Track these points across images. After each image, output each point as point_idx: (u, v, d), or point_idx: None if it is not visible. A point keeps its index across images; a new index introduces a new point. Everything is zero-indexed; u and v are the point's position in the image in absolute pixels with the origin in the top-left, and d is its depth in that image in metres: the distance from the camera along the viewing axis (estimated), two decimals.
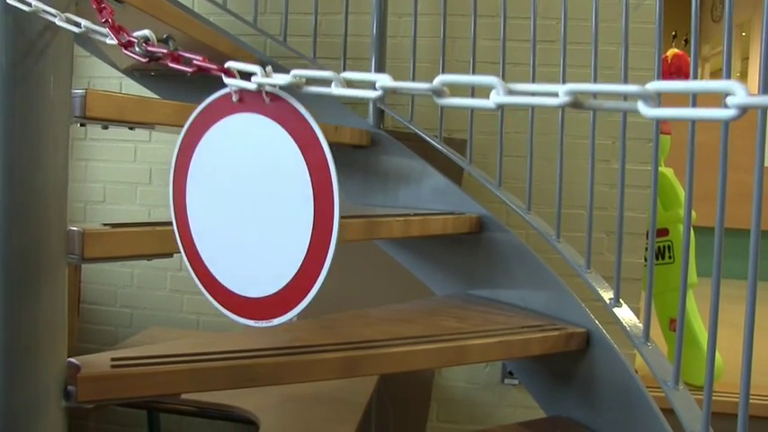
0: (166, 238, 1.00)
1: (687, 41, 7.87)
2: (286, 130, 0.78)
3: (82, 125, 1.08)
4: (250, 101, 0.80)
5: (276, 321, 0.83)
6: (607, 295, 1.36)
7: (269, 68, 0.76)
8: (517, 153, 2.13)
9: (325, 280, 0.78)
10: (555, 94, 0.58)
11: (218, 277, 0.87)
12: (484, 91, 0.61)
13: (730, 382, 2.32)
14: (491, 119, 2.12)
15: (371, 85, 0.67)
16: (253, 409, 1.80)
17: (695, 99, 1.04)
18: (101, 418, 2.62)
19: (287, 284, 0.81)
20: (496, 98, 0.61)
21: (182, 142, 0.87)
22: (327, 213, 0.77)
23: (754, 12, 7.06)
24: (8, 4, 0.83)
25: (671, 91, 0.54)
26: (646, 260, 2.29)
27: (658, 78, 1.26)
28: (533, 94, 0.59)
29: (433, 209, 1.61)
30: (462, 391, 2.46)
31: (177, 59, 0.81)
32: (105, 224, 0.97)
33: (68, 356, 0.91)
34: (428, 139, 1.74)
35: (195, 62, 0.80)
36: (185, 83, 1.83)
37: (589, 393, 1.30)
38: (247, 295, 0.85)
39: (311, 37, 2.00)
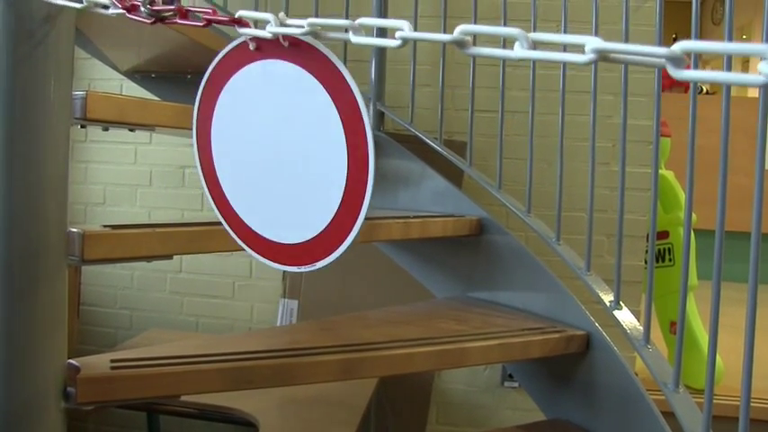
0: (166, 239, 1.00)
1: None
2: (309, 71, 0.76)
3: (82, 126, 1.08)
4: (268, 47, 0.78)
5: (320, 264, 0.81)
6: (607, 298, 1.36)
7: (282, 15, 0.73)
8: (517, 156, 2.13)
9: (365, 217, 0.76)
10: (581, 50, 0.55)
11: (252, 226, 0.85)
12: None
13: (731, 386, 2.32)
14: (491, 121, 2.11)
15: (391, 36, 0.65)
16: (252, 411, 1.80)
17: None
18: (100, 420, 2.62)
19: (327, 226, 0.79)
20: (520, 51, 0.59)
21: (201, 96, 0.85)
22: (361, 148, 0.75)
23: (755, 14, 7.07)
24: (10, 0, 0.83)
25: (701, 51, 0.52)
26: (646, 263, 2.29)
27: (658, 80, 1.26)
28: (557, 49, 0.57)
29: (433, 211, 1.61)
30: (462, 394, 2.46)
31: (186, 15, 0.78)
32: (105, 226, 0.97)
33: (68, 358, 0.91)
34: (428, 141, 1.74)
35: (205, 17, 0.77)
36: (186, 84, 1.83)
37: (589, 396, 1.30)
38: (286, 242, 0.83)
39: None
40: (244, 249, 0.87)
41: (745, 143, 1.95)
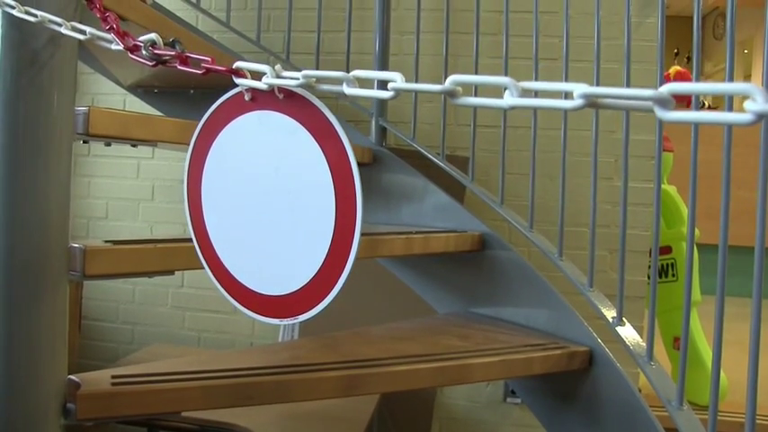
0: (168, 255, 1.00)
1: (689, 59, 7.91)
2: (302, 124, 0.77)
3: (85, 142, 1.08)
4: (263, 99, 0.79)
5: (302, 317, 0.82)
6: (610, 314, 1.35)
7: (278, 67, 0.75)
8: (519, 171, 2.13)
9: (351, 270, 0.77)
10: (570, 97, 0.56)
11: (237, 276, 0.86)
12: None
13: (735, 402, 2.30)
14: (493, 136, 2.12)
15: (383, 86, 0.66)
16: (253, 426, 1.79)
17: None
18: None
19: (312, 279, 0.80)
20: (510, 99, 0.60)
21: (195, 144, 0.87)
22: (349, 201, 0.76)
23: (757, 30, 7.09)
24: (14, 18, 0.84)
25: (687, 92, 0.53)
26: (649, 278, 2.29)
27: None
28: (545, 96, 0.58)
29: (435, 226, 1.61)
30: (464, 410, 2.44)
31: (186, 61, 0.80)
32: (107, 241, 0.97)
33: (68, 373, 0.90)
34: (430, 156, 1.74)
35: (204, 64, 0.79)
36: (189, 100, 1.84)
37: (592, 413, 1.29)
38: (269, 293, 0.84)
39: (314, 55, 2.01)
40: (223, 295, 0.88)
41: (748, 157, 1.95)
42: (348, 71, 0.65)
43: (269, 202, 0.81)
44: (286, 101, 0.77)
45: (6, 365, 0.86)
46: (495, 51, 1.72)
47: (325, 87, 0.72)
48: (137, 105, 1.99)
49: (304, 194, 0.79)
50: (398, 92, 0.66)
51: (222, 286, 0.88)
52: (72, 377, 0.90)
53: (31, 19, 0.83)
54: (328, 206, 0.77)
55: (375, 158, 1.75)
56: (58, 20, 0.83)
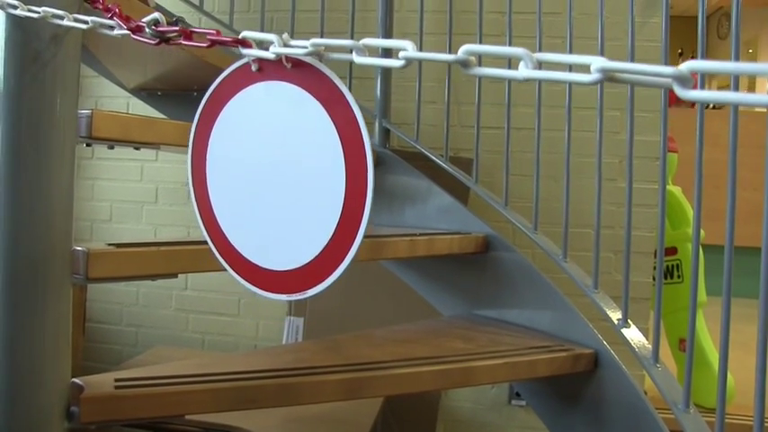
0: (171, 258, 1.00)
1: (693, 58, 7.88)
2: (310, 93, 0.75)
3: (88, 145, 1.08)
4: (270, 69, 0.77)
5: (311, 292, 0.79)
6: (615, 315, 1.35)
7: (286, 36, 0.74)
8: (523, 172, 2.12)
9: (360, 244, 0.74)
10: (587, 70, 0.54)
11: (242, 252, 0.84)
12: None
13: (743, 404, 2.29)
14: (497, 138, 2.11)
15: (394, 56, 0.64)
16: (257, 429, 1.79)
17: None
18: None
19: (321, 251, 0.77)
20: (525, 71, 0.58)
21: (200, 116, 0.85)
22: (360, 173, 0.74)
23: (761, 29, 7.07)
24: (16, 18, 0.83)
25: (709, 71, 0.52)
26: (654, 279, 2.28)
27: (665, 95, 1.25)
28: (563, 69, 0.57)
29: (439, 228, 1.60)
30: (469, 412, 2.44)
31: (190, 36, 0.79)
32: (110, 244, 0.96)
33: (72, 376, 0.90)
34: (434, 158, 1.73)
35: (209, 37, 0.78)
36: (192, 101, 1.83)
37: (597, 415, 1.29)
38: (276, 269, 0.81)
39: None
40: (228, 272, 0.85)
41: (753, 157, 1.94)
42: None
43: (277, 173, 0.79)
44: (294, 70, 0.75)
45: (10, 368, 0.85)
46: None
47: (335, 56, 0.70)
48: (140, 108, 1.99)
49: (313, 165, 0.76)
50: (409, 60, 0.63)
51: (227, 262, 0.85)
52: (75, 380, 0.90)
53: (34, 15, 0.82)
54: (338, 176, 0.75)
55: (379, 160, 1.75)
56: (60, 12, 0.83)
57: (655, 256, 2.23)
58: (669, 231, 2.64)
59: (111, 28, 0.84)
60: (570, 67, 0.58)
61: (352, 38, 1.93)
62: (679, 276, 2.62)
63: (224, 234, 0.85)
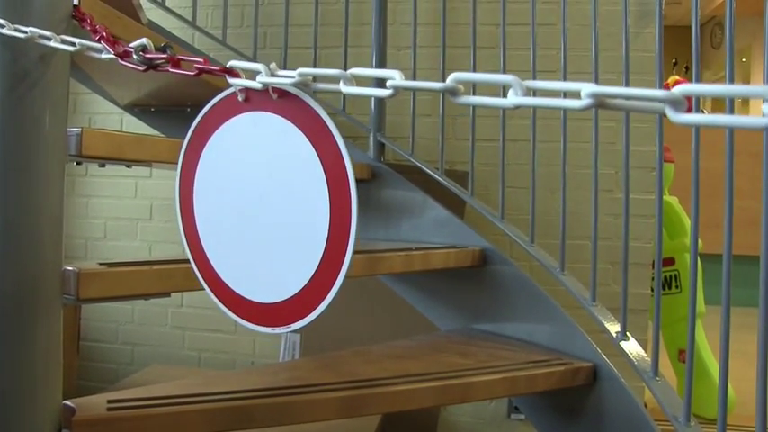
0: (164, 276, 0.99)
1: (688, 68, 7.92)
2: (296, 125, 0.75)
3: (78, 163, 1.07)
4: (257, 99, 0.77)
5: (295, 325, 0.78)
6: (614, 328, 1.34)
7: (273, 65, 0.73)
8: (519, 184, 2.12)
9: (345, 278, 0.74)
10: (577, 96, 0.54)
11: (228, 283, 0.83)
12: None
13: (743, 414, 2.28)
14: (493, 150, 2.11)
15: (381, 85, 0.65)
16: None
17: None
18: None
19: (305, 285, 0.77)
20: (514, 99, 0.58)
21: (187, 148, 0.85)
22: (344, 204, 0.74)
23: (754, 39, 7.11)
24: (4, 37, 0.83)
25: (701, 94, 0.51)
26: (652, 290, 2.27)
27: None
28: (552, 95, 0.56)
29: (436, 242, 1.59)
30: (468, 426, 2.42)
31: (177, 64, 0.79)
32: (101, 263, 0.95)
33: (67, 395, 0.89)
34: (429, 171, 1.73)
35: (196, 65, 0.78)
36: (185, 117, 1.83)
37: (597, 429, 1.27)
38: (262, 301, 0.81)
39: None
40: (213, 301, 0.86)
41: (750, 165, 1.94)
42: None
43: (262, 205, 0.79)
44: (281, 101, 0.75)
45: (0, 391, 0.84)
46: (494, 65, 1.71)
47: (322, 86, 0.70)
48: (134, 124, 1.98)
49: (298, 198, 0.76)
50: (397, 89, 0.64)
51: (213, 293, 0.85)
52: (67, 402, 0.88)
53: (21, 36, 0.82)
54: (322, 209, 0.75)
55: (374, 175, 1.74)
56: (47, 33, 0.82)
57: (653, 267, 2.22)
58: (666, 242, 2.64)
59: (99, 51, 0.83)
60: (564, 95, 0.58)
61: (345, 52, 1.94)
62: (677, 287, 2.62)
63: (211, 265, 0.85)
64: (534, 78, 1.58)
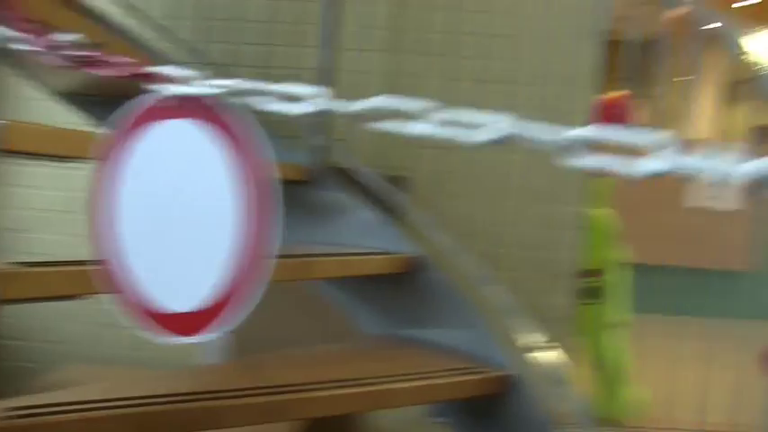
0: (83, 278, 0.96)
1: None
2: (218, 132, 0.75)
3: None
4: (182, 105, 0.77)
5: (206, 335, 0.78)
6: (535, 337, 1.37)
7: (198, 74, 0.74)
8: (463, 193, 2.14)
9: (265, 283, 0.74)
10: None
11: (136, 287, 0.82)
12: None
13: (674, 417, 2.36)
14: (435, 156, 2.13)
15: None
16: None
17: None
18: None
19: (220, 295, 0.77)
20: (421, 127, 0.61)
21: (108, 153, 0.83)
22: (263, 215, 0.74)
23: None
24: None
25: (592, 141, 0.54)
26: (576, 301, 2.33)
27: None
28: None
29: (369, 247, 1.60)
30: (389, 427, 2.42)
31: (108, 65, 0.78)
32: (20, 263, 0.92)
33: None
34: (368, 175, 1.73)
35: (128, 69, 0.77)
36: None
37: None
38: (175, 310, 0.80)
39: (259, 68, 1.97)
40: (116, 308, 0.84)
41: (672, 181, 2.00)
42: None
43: (179, 213, 0.78)
44: (203, 109, 0.75)
45: None
46: (450, 72, 1.71)
47: (242, 99, 0.71)
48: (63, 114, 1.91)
49: (215, 207, 0.76)
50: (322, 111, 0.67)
51: (122, 301, 0.84)
52: None
53: None
54: (239, 219, 0.75)
55: (310, 176, 1.74)
56: None
57: (578, 278, 2.28)
58: (593, 253, 2.71)
59: (23, 41, 0.81)
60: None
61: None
62: (602, 297, 2.69)
63: (126, 269, 0.83)
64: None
